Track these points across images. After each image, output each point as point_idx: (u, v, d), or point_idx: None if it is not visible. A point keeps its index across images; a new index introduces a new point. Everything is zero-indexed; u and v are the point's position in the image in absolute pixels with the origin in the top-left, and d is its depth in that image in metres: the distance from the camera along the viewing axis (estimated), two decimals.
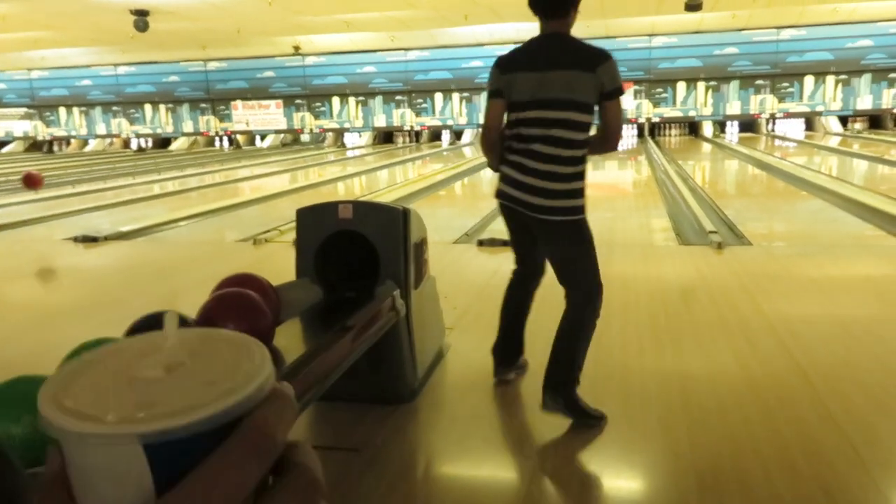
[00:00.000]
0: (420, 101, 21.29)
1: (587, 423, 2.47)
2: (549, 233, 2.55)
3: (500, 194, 2.66)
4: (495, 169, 2.70)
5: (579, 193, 2.54)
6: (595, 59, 2.50)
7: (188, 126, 23.04)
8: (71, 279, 5.44)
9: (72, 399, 0.29)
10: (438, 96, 21.14)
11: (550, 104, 2.48)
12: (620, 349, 3.46)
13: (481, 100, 20.86)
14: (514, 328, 2.91)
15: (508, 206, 2.62)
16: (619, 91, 2.54)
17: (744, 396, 2.68)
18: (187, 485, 0.27)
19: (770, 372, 2.91)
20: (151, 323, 1.73)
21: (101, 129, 23.67)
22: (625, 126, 20.14)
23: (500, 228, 6.12)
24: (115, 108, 23.35)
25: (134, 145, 23.42)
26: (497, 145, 2.65)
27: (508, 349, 2.91)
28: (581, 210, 2.56)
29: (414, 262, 2.73)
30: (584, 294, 2.60)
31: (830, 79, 19.11)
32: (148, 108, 23.11)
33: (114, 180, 12.72)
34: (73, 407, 0.29)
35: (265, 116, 22.36)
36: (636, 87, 19.85)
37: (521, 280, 2.94)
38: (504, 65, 2.61)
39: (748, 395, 2.69)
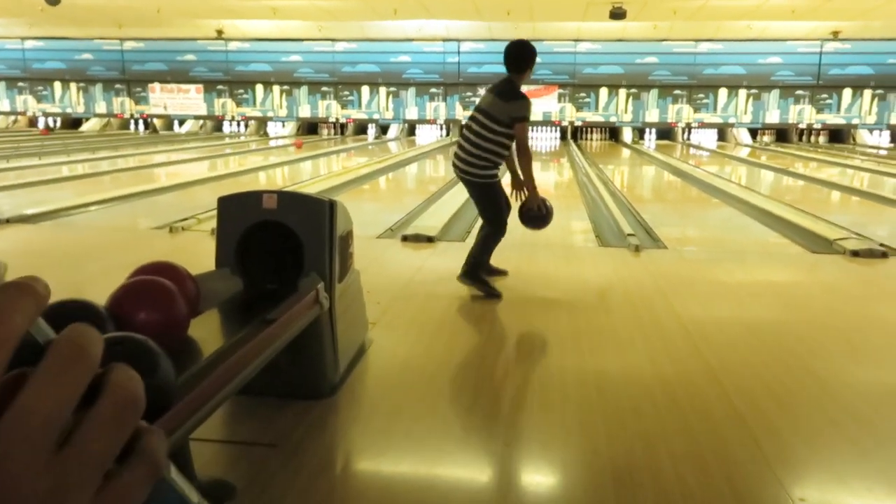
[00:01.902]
0: (346, 93, 21.06)
1: (486, 291, 4.10)
2: None
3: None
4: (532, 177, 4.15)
5: None
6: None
7: (101, 107, 22.04)
8: None
9: None
10: (365, 89, 20.96)
11: None
12: (540, 347, 3.52)
13: (408, 95, 20.83)
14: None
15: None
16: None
17: (657, 395, 2.77)
18: None
19: (682, 371, 3.01)
20: (62, 309, 1.64)
21: (4, 105, 22.37)
22: (548, 128, 20.65)
23: (424, 224, 6.15)
24: (20, 83, 22.09)
25: (41, 124, 22.22)
26: None
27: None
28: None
29: (339, 255, 2.69)
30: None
31: (742, 92, 20.02)
32: (58, 85, 21.97)
33: (17, 160, 12.03)
34: None
35: (185, 101, 21.63)
36: (560, 91, 20.25)
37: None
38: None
39: (661, 394, 2.78)
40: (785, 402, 2.73)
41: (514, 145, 4.06)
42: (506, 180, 4.33)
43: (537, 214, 4.30)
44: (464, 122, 4.05)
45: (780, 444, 2.36)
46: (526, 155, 4.07)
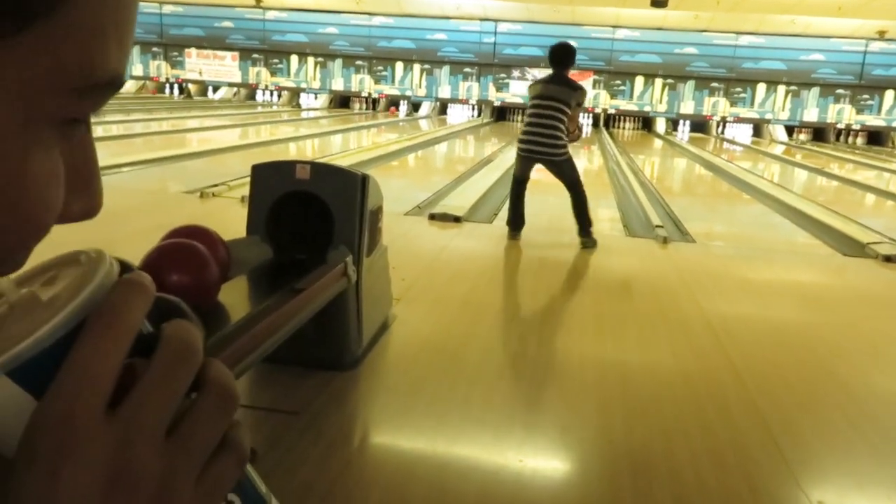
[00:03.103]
0: (380, 68, 21.00)
1: (587, 243, 4.95)
2: None
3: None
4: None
5: None
6: None
7: (138, 69, 22.20)
8: None
9: None
10: (399, 65, 20.89)
11: None
12: (563, 333, 3.52)
13: (442, 73, 20.73)
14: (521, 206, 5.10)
15: None
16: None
17: (678, 389, 2.76)
18: (55, 383, 0.29)
19: (704, 367, 3.00)
20: None
21: None
22: (581, 115, 20.31)
23: (451, 204, 6.15)
24: None
25: None
26: None
27: (519, 220, 5.11)
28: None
29: (368, 229, 2.70)
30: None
31: (781, 88, 19.65)
32: None
33: None
34: None
35: (220, 67, 21.71)
36: (595, 77, 20.02)
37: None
38: None
39: (682, 388, 2.77)
40: (806, 403, 2.71)
41: None
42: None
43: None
44: (529, 112, 4.80)
45: (800, 446, 2.35)
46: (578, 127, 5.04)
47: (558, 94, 4.79)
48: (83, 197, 0.32)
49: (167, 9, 21.40)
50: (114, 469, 0.29)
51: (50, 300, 0.31)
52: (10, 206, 0.28)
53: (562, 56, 4.90)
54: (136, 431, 0.30)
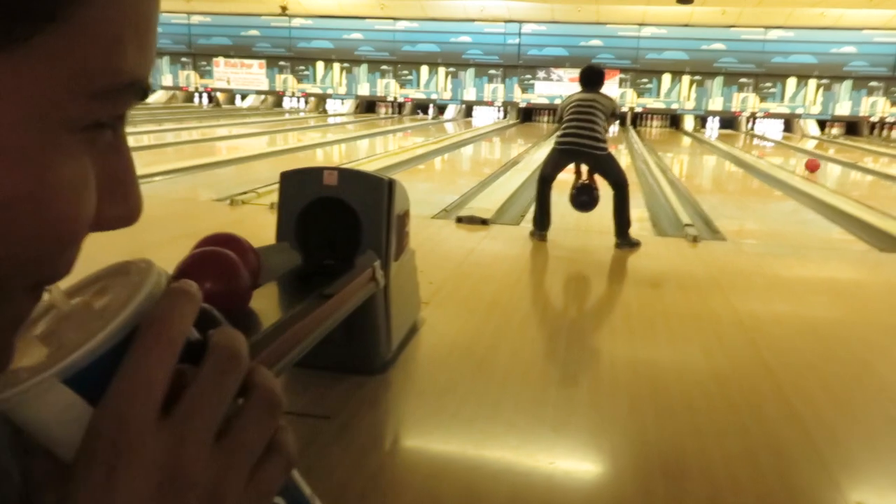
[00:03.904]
0: (405, 72, 21.09)
1: (632, 244, 4.95)
2: None
3: None
4: None
5: None
6: None
7: (167, 80, 22.57)
8: None
9: None
10: (424, 69, 20.95)
11: None
12: (593, 334, 3.50)
13: (467, 76, 20.75)
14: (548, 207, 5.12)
15: None
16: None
17: (710, 389, 2.73)
18: (110, 389, 0.30)
19: (737, 367, 2.96)
20: None
21: None
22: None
23: (478, 206, 6.15)
24: None
25: None
26: None
27: (546, 220, 5.12)
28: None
29: (396, 233, 2.72)
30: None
31: (812, 82, 19.33)
32: None
33: None
34: None
35: (247, 76, 21.98)
36: (622, 76, 19.88)
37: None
38: None
39: (715, 388, 2.74)
40: (843, 402, 2.66)
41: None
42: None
43: (588, 200, 5.09)
44: (570, 113, 4.94)
45: (837, 445, 2.31)
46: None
47: (597, 98, 4.99)
48: (120, 204, 0.32)
49: (195, 19, 21.71)
50: (167, 472, 0.30)
51: (102, 310, 0.32)
52: (37, 213, 0.28)
53: (593, 77, 5.14)
54: (188, 435, 0.31)
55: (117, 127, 0.32)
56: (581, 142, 4.86)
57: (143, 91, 0.32)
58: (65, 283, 0.35)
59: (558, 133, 5.12)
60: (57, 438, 0.31)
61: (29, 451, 0.32)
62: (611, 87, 19.83)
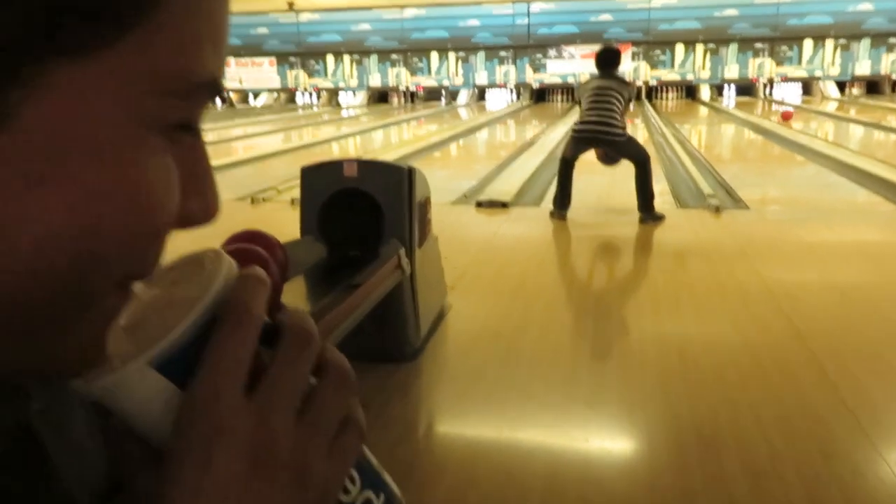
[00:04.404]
0: (416, 60, 21.03)
1: (656, 218, 4.94)
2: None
3: None
4: None
5: None
6: None
7: None
8: None
9: None
10: (434, 55, 20.88)
11: None
12: (620, 310, 3.50)
13: (477, 60, 20.65)
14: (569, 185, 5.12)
15: None
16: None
17: (741, 359, 2.72)
18: (199, 372, 0.32)
19: (767, 335, 2.95)
20: None
21: None
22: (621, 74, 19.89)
23: (498, 190, 6.15)
24: None
25: None
26: None
27: (566, 200, 5.11)
28: None
29: (418, 221, 2.74)
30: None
31: (829, 43, 18.98)
32: None
33: None
34: (90, 372, 0.33)
35: (258, 74, 22.07)
36: (634, 49, 19.65)
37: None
38: None
39: (745, 358, 2.73)
40: (876, 364, 2.64)
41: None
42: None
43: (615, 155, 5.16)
44: (588, 100, 4.95)
45: (873, 408, 2.30)
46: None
47: (614, 85, 5.01)
48: (200, 200, 0.33)
49: None
50: (256, 448, 0.32)
51: (181, 299, 0.34)
52: (127, 209, 0.29)
53: (609, 59, 5.17)
54: (273, 413, 0.33)
55: (195, 126, 0.33)
56: (600, 129, 4.88)
57: (218, 89, 0.33)
58: None
59: (576, 121, 5.11)
60: (151, 423, 0.33)
61: (121, 437, 0.34)
62: (624, 61, 19.61)
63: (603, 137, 4.89)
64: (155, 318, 0.34)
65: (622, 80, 5.16)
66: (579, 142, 5.01)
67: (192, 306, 0.33)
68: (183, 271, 0.36)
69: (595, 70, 5.21)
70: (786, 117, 12.53)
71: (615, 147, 4.96)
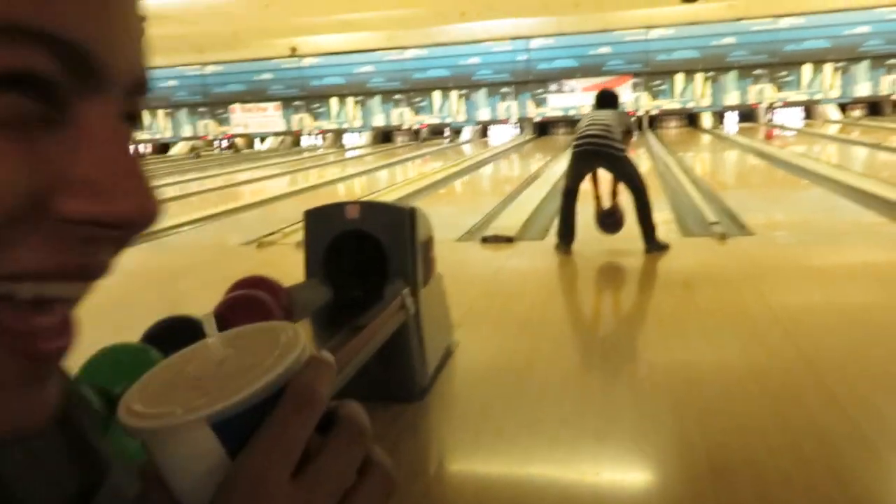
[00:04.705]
0: (418, 99, 21.30)
1: (660, 247, 4.91)
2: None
3: None
4: None
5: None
6: None
7: (187, 130, 23.07)
8: None
9: (144, 405, 0.34)
10: (437, 94, 21.14)
11: None
12: (628, 341, 3.49)
13: (479, 96, 20.88)
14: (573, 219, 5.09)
15: None
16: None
17: (750, 385, 2.71)
18: (252, 445, 0.32)
19: (775, 361, 2.93)
20: (168, 325, 1.76)
21: None
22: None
23: (502, 225, 6.18)
24: None
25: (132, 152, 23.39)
26: None
27: (570, 233, 5.09)
28: None
29: (422, 260, 2.76)
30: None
31: (828, 66, 19.11)
32: (145, 113, 23.08)
33: None
34: (146, 411, 0.33)
35: (264, 119, 22.38)
36: (634, 80, 19.85)
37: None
38: None
39: (754, 384, 2.72)
40: (887, 386, 2.62)
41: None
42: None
43: (613, 222, 5.15)
44: (585, 125, 5.07)
45: (886, 430, 2.28)
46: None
47: (611, 113, 5.12)
48: (108, 203, 0.29)
49: (209, 69, 22.21)
50: None
51: (250, 366, 0.34)
52: None
53: (607, 100, 5.36)
54: (315, 501, 0.33)
55: (64, 118, 0.28)
56: (598, 142, 4.88)
57: (79, 59, 0.28)
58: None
59: (574, 138, 5.15)
60: (190, 482, 0.33)
61: (149, 485, 0.34)
62: (624, 93, 19.81)
63: (602, 150, 4.88)
64: (222, 377, 0.34)
65: (619, 112, 5.28)
66: (579, 158, 4.99)
67: (261, 375, 0.33)
68: (258, 338, 0.37)
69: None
70: (769, 136, 13.69)
71: (613, 162, 4.93)
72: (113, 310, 4.44)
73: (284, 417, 0.33)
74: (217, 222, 8.10)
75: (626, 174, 4.96)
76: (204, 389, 0.33)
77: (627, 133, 5.11)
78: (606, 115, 5.08)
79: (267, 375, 0.33)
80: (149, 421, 0.32)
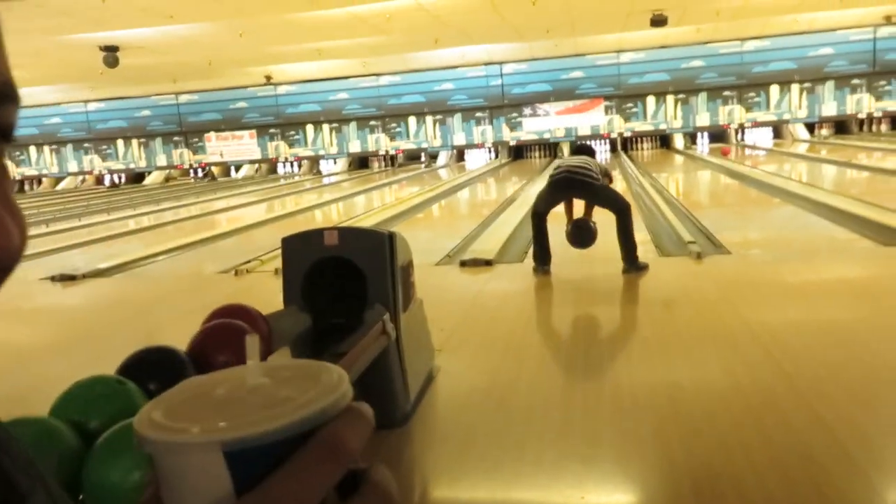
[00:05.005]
0: (394, 125, 21.38)
1: (640, 268, 4.90)
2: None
3: None
4: None
5: None
6: None
7: (161, 160, 22.91)
8: (51, 318, 5.37)
9: (164, 417, 0.32)
10: (412, 120, 21.24)
11: None
12: (610, 361, 3.49)
13: (454, 121, 21.01)
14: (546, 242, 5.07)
15: None
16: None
17: (732, 403, 2.72)
18: (264, 487, 0.29)
19: (756, 378, 2.95)
20: (145, 357, 1.72)
21: (72, 166, 23.47)
22: (597, 142, 20.50)
23: (481, 248, 6.18)
24: (86, 144, 23.15)
25: (107, 181, 23.21)
26: None
27: (546, 254, 5.07)
28: None
29: (402, 285, 2.74)
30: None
31: (795, 87, 19.51)
32: (120, 143, 22.95)
33: (88, 217, 12.60)
34: (163, 423, 0.31)
35: (239, 147, 22.30)
36: (606, 104, 20.11)
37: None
38: None
39: (736, 402, 2.72)
40: (867, 401, 2.64)
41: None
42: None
43: (587, 236, 5.07)
44: (567, 164, 5.12)
45: (868, 447, 2.29)
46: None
47: (587, 158, 5.18)
48: None
49: (183, 98, 22.13)
50: None
51: (285, 399, 0.32)
52: None
53: (584, 149, 5.58)
54: None
55: None
56: (576, 170, 4.90)
57: None
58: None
59: (552, 173, 5.19)
60: (188, 501, 0.30)
61: (147, 497, 0.32)
62: (597, 115, 20.06)
63: (580, 179, 4.87)
64: (249, 405, 0.32)
65: (594, 160, 5.35)
66: (555, 188, 4.98)
67: (290, 412, 0.31)
68: (299, 373, 0.34)
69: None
70: (724, 153, 15.11)
71: (591, 192, 4.91)
72: (87, 342, 4.37)
73: (305, 465, 0.30)
74: (193, 251, 8.02)
75: (608, 198, 4.96)
76: (227, 413, 0.31)
77: (606, 176, 5.15)
78: (585, 158, 5.15)
79: (296, 413, 0.30)
80: (162, 433, 0.30)
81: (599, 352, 3.70)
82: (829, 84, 19.36)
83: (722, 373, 3.05)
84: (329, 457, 0.30)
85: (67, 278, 6.29)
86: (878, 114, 19.38)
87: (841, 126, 19.73)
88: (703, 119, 20.05)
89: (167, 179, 22.40)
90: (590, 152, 5.47)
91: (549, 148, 20.26)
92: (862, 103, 19.33)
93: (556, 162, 5.33)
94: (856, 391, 2.74)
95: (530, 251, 5.75)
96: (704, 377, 3.05)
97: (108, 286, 6.18)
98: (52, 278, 6.33)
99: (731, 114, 19.93)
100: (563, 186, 4.96)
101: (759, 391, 2.80)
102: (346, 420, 0.32)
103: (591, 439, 2.55)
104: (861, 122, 19.55)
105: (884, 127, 19.45)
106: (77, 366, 2.78)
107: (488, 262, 5.64)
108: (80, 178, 23.69)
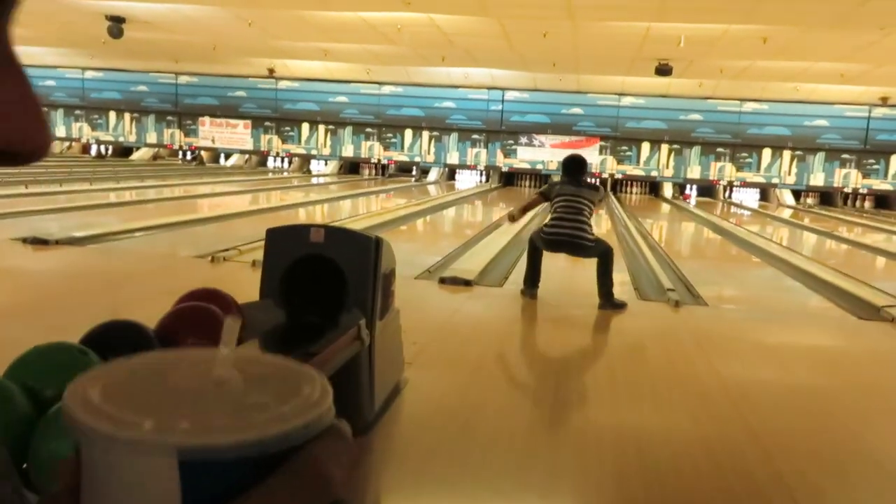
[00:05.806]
0: (390, 135, 21.38)
1: (622, 305, 5.02)
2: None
3: None
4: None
5: None
6: None
7: (152, 137, 22.68)
8: (16, 281, 5.24)
9: (106, 400, 0.26)
10: (408, 132, 21.26)
11: None
12: (578, 397, 3.46)
13: (450, 140, 21.06)
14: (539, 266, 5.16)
15: None
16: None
17: (697, 454, 2.69)
18: None
19: (723, 433, 2.93)
20: (110, 329, 1.66)
21: (60, 131, 23.15)
22: (588, 179, 20.56)
23: (462, 268, 6.15)
24: (77, 111, 22.87)
25: (93, 151, 22.92)
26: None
27: (536, 279, 5.17)
28: None
29: (382, 292, 2.70)
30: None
31: (787, 153, 19.83)
32: (112, 115, 22.70)
33: (70, 184, 12.39)
34: (105, 408, 0.25)
35: (232, 135, 22.15)
36: (602, 143, 20.28)
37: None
38: None
39: (701, 453, 2.70)
40: (831, 468, 2.64)
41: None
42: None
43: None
44: (558, 205, 5.12)
45: None
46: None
47: (585, 193, 5.19)
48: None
49: (182, 79, 21.98)
50: None
51: (258, 405, 0.27)
52: None
53: (577, 167, 5.41)
54: None
55: None
56: (572, 233, 5.00)
57: None
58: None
59: (546, 223, 5.22)
60: None
61: (61, 492, 0.27)
62: (591, 154, 20.22)
63: (574, 242, 5.01)
64: (215, 403, 0.26)
65: (593, 186, 5.43)
66: (548, 245, 5.12)
67: (266, 425, 0.25)
68: (275, 374, 0.30)
69: (563, 173, 5.40)
70: (685, 198, 16.81)
71: (585, 251, 5.10)
72: (50, 309, 4.26)
73: (276, 496, 0.24)
74: (171, 231, 7.90)
75: (598, 252, 5.06)
76: (187, 409, 0.25)
77: (600, 202, 5.32)
78: (580, 196, 5.12)
79: (273, 427, 0.25)
80: (103, 422, 0.24)
81: (569, 387, 3.67)
82: (820, 155, 19.71)
83: (690, 423, 3.04)
84: (306, 487, 0.25)
85: (40, 242, 6.16)
86: (863, 190, 19.75)
87: (826, 197, 20.06)
88: (694, 171, 20.28)
89: (155, 157, 22.18)
90: (580, 168, 5.39)
91: (540, 179, 20.38)
92: (849, 178, 19.69)
93: (556, 189, 5.22)
94: (819, 454, 2.73)
95: (511, 276, 5.73)
96: (672, 425, 3.03)
97: (79, 255, 6.05)
98: (24, 240, 6.19)
99: (722, 170, 20.19)
100: (556, 245, 5.11)
101: (725, 446, 2.78)
102: (328, 445, 0.27)
103: (551, 474, 2.51)
104: (846, 196, 19.90)
105: (867, 204, 19.82)
106: (37, 331, 2.69)
107: (468, 283, 5.61)
108: (66, 144, 23.36)
